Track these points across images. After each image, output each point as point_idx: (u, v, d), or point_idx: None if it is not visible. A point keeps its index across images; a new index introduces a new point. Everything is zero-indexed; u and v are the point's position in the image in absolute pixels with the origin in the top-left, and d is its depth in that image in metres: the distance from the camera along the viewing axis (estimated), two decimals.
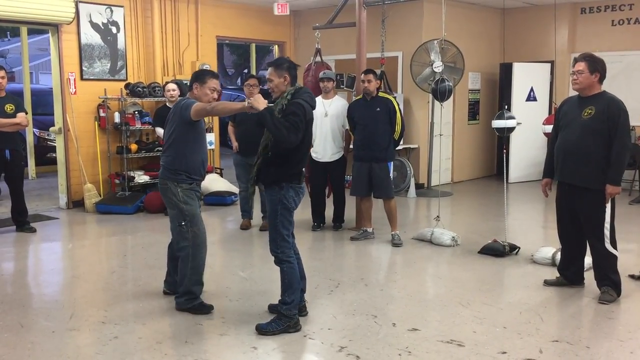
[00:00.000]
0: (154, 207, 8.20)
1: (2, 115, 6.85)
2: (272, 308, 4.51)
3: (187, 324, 4.40)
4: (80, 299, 5.02)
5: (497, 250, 6.10)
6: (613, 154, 4.62)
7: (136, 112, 8.86)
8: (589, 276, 5.03)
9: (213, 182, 9.00)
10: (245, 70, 25.95)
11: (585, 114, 4.73)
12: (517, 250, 6.17)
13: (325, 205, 7.38)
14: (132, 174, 8.74)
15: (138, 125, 8.78)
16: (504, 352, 3.89)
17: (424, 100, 9.99)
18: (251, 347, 3.98)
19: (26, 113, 7.19)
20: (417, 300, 4.93)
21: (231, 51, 27.60)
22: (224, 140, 10.11)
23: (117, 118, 8.64)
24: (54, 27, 8.28)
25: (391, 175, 6.86)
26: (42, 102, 11.18)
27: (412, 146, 10.15)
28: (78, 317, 4.53)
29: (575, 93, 4.94)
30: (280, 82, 4.22)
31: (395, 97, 6.99)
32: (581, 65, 4.74)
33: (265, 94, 4.59)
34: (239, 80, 27.74)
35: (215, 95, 4.63)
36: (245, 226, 7.39)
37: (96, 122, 8.68)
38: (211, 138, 9.28)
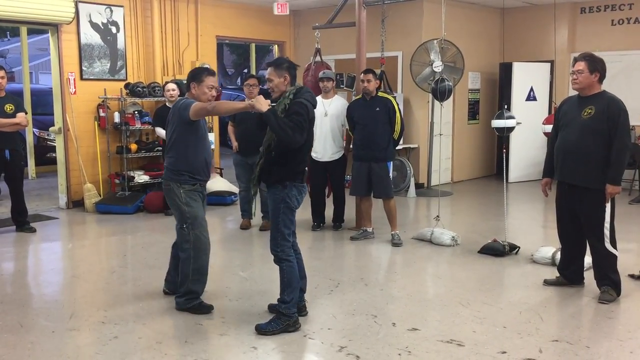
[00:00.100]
0: (154, 207, 8.21)
1: (2, 115, 6.85)
2: (271, 308, 4.50)
3: (187, 324, 4.39)
4: (80, 299, 5.03)
5: (497, 250, 6.10)
6: (613, 154, 4.62)
7: (136, 112, 8.86)
8: (589, 276, 5.03)
9: (213, 182, 8.96)
10: (245, 70, 25.94)
11: (585, 113, 4.73)
12: (517, 249, 6.17)
13: (325, 205, 7.38)
14: (132, 173, 8.74)
15: (138, 125, 8.78)
16: (504, 352, 3.89)
17: (424, 100, 9.98)
18: (251, 347, 3.98)
19: (26, 113, 7.19)
20: (417, 300, 4.93)
21: (231, 51, 27.60)
22: (223, 140, 10.11)
23: (117, 118, 8.64)
24: (54, 27, 8.28)
25: (391, 175, 6.86)
26: (42, 102, 11.18)
27: (412, 146, 10.15)
28: (78, 317, 4.53)
29: (575, 93, 4.94)
30: (280, 82, 4.22)
31: (395, 97, 6.99)
32: (581, 65, 4.74)
33: (265, 94, 4.59)
34: (238, 80, 27.74)
35: (214, 93, 4.58)
36: (245, 226, 7.39)
37: (96, 122, 8.68)
38: (211, 138, 9.24)
